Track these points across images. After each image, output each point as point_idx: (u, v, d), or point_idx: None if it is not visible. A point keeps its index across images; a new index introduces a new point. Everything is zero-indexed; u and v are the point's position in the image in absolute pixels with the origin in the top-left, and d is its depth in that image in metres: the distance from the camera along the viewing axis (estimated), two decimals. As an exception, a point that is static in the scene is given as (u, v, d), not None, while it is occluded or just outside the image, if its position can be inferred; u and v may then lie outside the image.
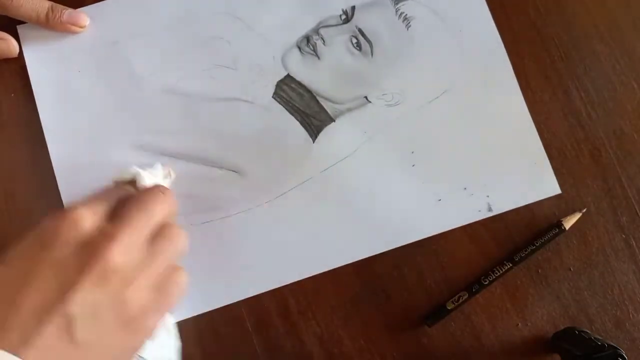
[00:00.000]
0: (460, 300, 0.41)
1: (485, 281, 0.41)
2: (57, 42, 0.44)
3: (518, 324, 0.41)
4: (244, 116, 0.43)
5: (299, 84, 0.44)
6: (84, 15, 0.43)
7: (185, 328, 0.40)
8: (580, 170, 0.43)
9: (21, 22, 0.44)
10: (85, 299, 0.28)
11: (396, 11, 0.45)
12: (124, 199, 0.33)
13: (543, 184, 0.43)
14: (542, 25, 0.45)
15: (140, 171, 0.36)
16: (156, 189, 0.35)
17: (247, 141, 0.43)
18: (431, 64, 0.44)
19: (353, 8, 0.45)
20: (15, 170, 0.42)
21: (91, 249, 0.29)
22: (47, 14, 0.41)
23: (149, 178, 0.37)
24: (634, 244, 0.42)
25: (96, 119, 0.43)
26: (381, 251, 0.42)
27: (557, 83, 0.44)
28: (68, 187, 0.42)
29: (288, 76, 0.44)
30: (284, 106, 0.43)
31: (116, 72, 0.44)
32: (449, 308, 0.41)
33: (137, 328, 0.30)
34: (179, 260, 0.34)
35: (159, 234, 0.33)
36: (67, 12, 0.42)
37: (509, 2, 0.45)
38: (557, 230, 0.41)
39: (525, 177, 0.43)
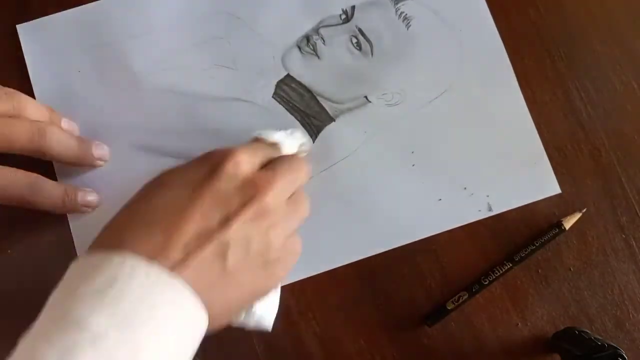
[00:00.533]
0: (460, 300, 0.41)
1: (485, 281, 0.41)
2: (57, 42, 0.44)
3: (518, 324, 0.41)
4: (244, 116, 0.43)
5: (299, 83, 0.44)
6: (94, 194, 0.41)
7: (185, 328, 0.40)
8: (580, 170, 0.43)
9: (21, 22, 0.44)
10: (241, 231, 0.30)
11: (396, 11, 0.45)
12: (273, 158, 0.35)
13: (543, 184, 0.43)
14: (542, 25, 0.45)
15: (283, 139, 0.37)
16: (301, 156, 0.38)
17: (247, 141, 0.43)
18: (431, 64, 0.44)
19: (353, 8, 0.45)
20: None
21: (253, 188, 0.31)
22: (63, 200, 0.40)
23: (289, 146, 0.38)
24: (634, 244, 0.42)
25: (96, 119, 0.43)
26: (381, 251, 0.42)
27: (557, 83, 0.44)
28: (68, 187, 0.42)
29: (288, 76, 0.44)
30: (284, 106, 0.43)
31: (116, 72, 0.44)
32: (449, 308, 0.40)
33: (272, 272, 0.32)
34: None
35: (295, 197, 0.35)
36: (80, 195, 0.41)
37: (509, 2, 0.45)
38: (557, 230, 0.41)
39: (525, 177, 0.43)
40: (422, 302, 0.41)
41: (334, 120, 0.43)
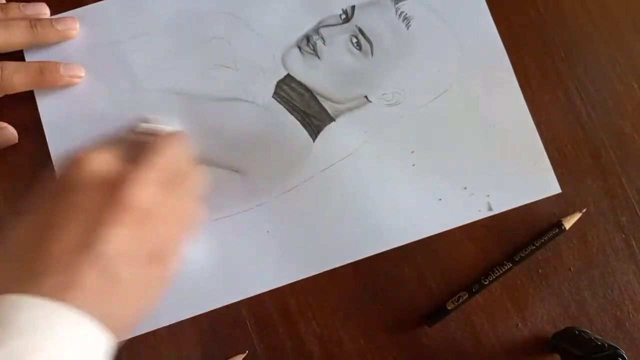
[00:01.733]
0: (460, 300, 0.41)
1: (485, 281, 0.41)
2: (57, 43, 0.44)
3: (518, 324, 0.41)
4: (244, 116, 0.43)
5: (299, 83, 0.44)
6: (80, 67, 0.43)
7: (186, 328, 0.40)
8: (580, 170, 0.43)
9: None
10: (112, 236, 0.29)
11: (396, 10, 0.45)
12: (143, 146, 0.34)
13: (543, 184, 0.43)
14: (542, 25, 0.45)
15: (154, 127, 0.38)
16: (171, 135, 0.37)
17: (247, 141, 0.43)
18: (431, 63, 0.44)
19: (353, 7, 0.45)
20: (15, 170, 0.42)
21: (111, 188, 0.30)
22: (42, 71, 0.41)
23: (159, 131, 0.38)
24: (634, 244, 0.42)
25: (96, 119, 0.43)
26: (381, 251, 0.42)
27: (557, 83, 0.44)
28: (68, 187, 0.42)
29: (288, 76, 0.44)
30: (284, 106, 0.43)
31: (116, 72, 0.44)
32: (449, 308, 0.40)
33: (161, 260, 0.31)
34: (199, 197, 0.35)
35: (177, 174, 0.34)
36: (63, 66, 0.42)
37: (509, 2, 0.45)
38: (557, 230, 0.41)
39: (525, 177, 0.43)
40: (422, 302, 0.41)
41: (334, 120, 0.43)
